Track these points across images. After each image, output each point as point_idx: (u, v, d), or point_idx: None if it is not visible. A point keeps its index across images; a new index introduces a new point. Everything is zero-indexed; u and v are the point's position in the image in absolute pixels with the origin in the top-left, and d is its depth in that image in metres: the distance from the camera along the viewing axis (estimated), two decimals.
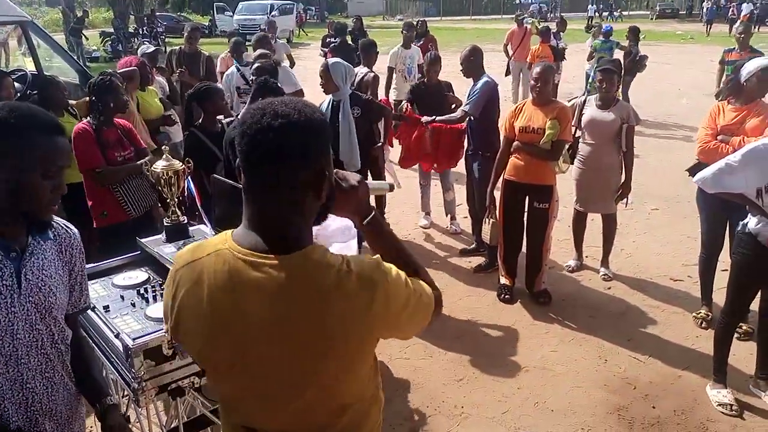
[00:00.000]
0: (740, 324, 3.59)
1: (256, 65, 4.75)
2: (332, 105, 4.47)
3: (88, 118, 3.72)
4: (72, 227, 1.68)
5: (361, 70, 5.67)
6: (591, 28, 11.87)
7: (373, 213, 1.39)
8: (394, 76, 7.59)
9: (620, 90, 9.99)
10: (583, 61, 11.09)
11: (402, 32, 7.80)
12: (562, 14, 17.10)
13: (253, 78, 4.48)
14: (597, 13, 34.05)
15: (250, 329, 1.16)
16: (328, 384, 1.21)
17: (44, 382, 1.55)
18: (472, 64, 4.74)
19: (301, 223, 1.20)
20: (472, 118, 4.71)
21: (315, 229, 1.27)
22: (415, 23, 8.89)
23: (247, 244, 1.17)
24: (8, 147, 1.37)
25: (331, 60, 4.60)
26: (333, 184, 1.27)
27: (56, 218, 1.62)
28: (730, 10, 28.39)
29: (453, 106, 5.16)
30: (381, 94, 6.70)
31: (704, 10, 33.26)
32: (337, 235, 1.98)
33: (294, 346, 1.15)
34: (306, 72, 11.71)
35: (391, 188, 1.76)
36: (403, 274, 1.26)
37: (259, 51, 5.45)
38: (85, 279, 1.73)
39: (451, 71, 6.81)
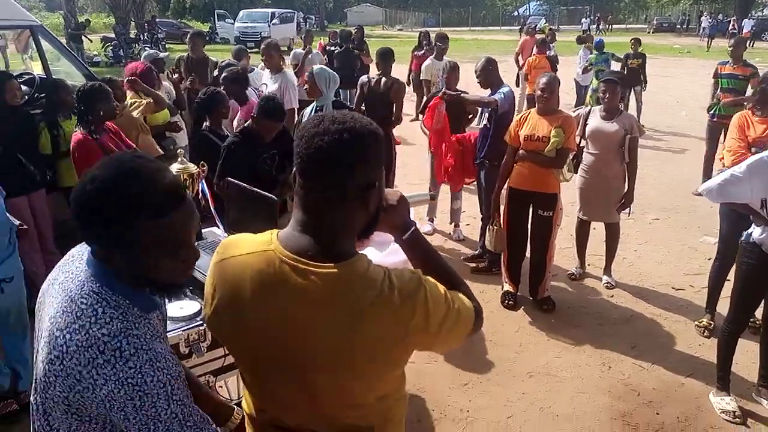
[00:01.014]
0: (755, 320, 3.64)
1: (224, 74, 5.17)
2: (315, 111, 4.60)
3: (78, 127, 3.75)
4: None
5: (364, 78, 5.71)
6: (583, 41, 11.98)
7: (413, 228, 1.40)
8: (432, 89, 7.58)
9: (633, 99, 10.17)
10: (574, 72, 11.25)
11: (435, 44, 7.55)
12: (550, 26, 17.23)
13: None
14: (590, 27, 34.25)
15: (289, 332, 1.18)
16: (349, 387, 1.23)
17: None
18: (491, 74, 4.78)
19: (349, 232, 1.22)
20: (488, 126, 4.77)
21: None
22: (442, 35, 8.67)
23: (293, 248, 1.19)
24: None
25: (316, 67, 4.75)
26: (382, 200, 1.29)
27: None
28: (731, 24, 28.61)
29: (470, 116, 5.22)
30: (408, 107, 6.66)
31: (702, 24, 33.61)
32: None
33: (325, 354, 1.17)
34: None
35: (433, 198, 1.77)
36: (442, 288, 1.27)
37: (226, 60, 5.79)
38: None
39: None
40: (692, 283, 4.82)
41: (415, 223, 1.42)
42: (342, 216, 1.20)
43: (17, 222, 3.20)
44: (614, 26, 45.96)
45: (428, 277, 1.27)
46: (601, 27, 39.53)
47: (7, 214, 3.17)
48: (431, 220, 5.85)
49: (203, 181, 2.86)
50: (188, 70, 6.42)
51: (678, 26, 43.05)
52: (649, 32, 40.85)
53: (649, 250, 5.52)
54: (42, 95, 4.96)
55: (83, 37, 20.57)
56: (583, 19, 34.83)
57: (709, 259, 5.18)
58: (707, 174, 6.99)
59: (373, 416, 1.30)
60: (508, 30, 41.67)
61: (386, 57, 5.61)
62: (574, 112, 4.72)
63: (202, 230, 2.80)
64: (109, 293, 1.19)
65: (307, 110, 4.70)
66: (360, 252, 1.23)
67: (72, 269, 1.27)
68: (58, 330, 1.15)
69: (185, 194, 1.23)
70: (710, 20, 32.46)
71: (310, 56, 8.62)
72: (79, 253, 1.32)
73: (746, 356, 3.65)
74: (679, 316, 4.33)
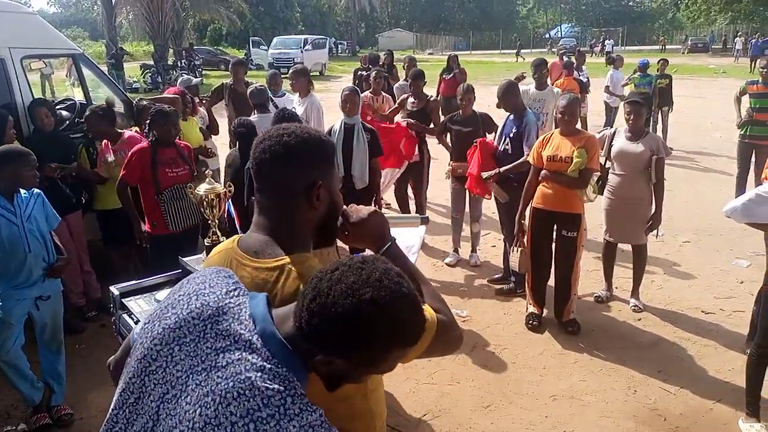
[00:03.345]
0: None
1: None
2: (345, 127, 4.82)
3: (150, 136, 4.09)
4: None
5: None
6: (612, 61, 11.94)
7: (389, 244, 1.47)
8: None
9: (658, 120, 10.10)
10: (604, 94, 11.20)
11: (534, 76, 6.58)
12: (579, 48, 17.17)
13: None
14: (612, 48, 33.65)
15: None
16: None
17: None
18: (513, 99, 4.85)
19: (296, 231, 1.33)
20: (508, 149, 4.81)
21: None
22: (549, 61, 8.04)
23: (244, 246, 1.33)
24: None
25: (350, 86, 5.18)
26: (335, 203, 1.38)
27: None
28: None
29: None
30: None
31: (736, 46, 32.99)
32: None
33: None
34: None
35: (423, 221, 1.84)
36: None
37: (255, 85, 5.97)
38: None
39: (478, 103, 6.90)
40: (723, 307, 4.72)
41: (394, 239, 1.49)
42: (289, 214, 1.31)
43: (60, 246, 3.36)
44: (648, 47, 45.54)
45: None
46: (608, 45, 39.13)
47: (54, 237, 3.33)
48: (456, 251, 5.77)
49: (229, 201, 2.96)
50: (230, 99, 6.63)
51: (710, 46, 42.27)
52: (683, 53, 40.38)
53: (678, 273, 5.43)
54: (82, 120, 5.20)
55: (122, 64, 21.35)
56: (607, 41, 34.49)
57: (741, 283, 5.14)
58: (740, 194, 6.86)
59: (335, 419, 1.32)
60: (538, 53, 41.64)
61: (419, 77, 6.28)
62: (598, 132, 4.72)
63: None
64: (296, 383, 1.06)
65: (336, 125, 4.90)
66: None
67: (229, 330, 1.10)
68: (232, 415, 1.00)
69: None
70: (752, 40, 31.87)
71: (398, 84, 8.04)
72: (232, 309, 1.13)
73: None
74: (708, 341, 4.24)
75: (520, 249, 4.42)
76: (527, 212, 4.42)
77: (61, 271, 3.36)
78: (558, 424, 3.40)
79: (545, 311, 4.52)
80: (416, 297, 1.09)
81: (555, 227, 4.29)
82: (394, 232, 2.52)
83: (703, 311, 4.69)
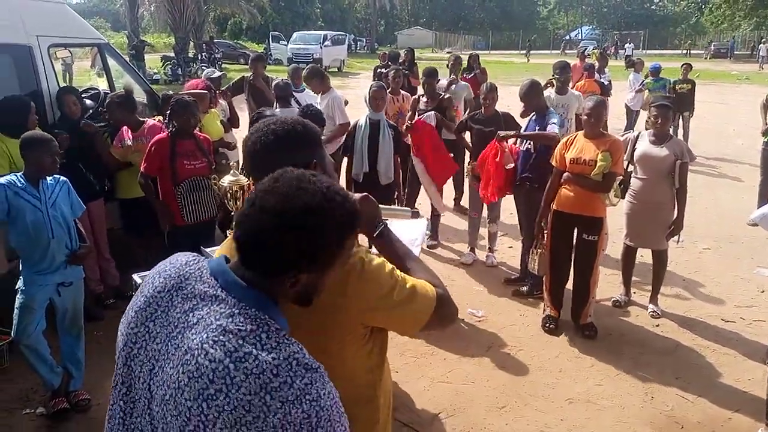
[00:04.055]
0: None
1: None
2: (370, 122, 4.86)
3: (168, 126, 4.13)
4: None
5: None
6: (633, 64, 11.86)
7: (381, 228, 1.56)
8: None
9: (679, 125, 10.00)
10: (625, 97, 11.11)
11: (558, 79, 6.23)
12: (601, 50, 16.93)
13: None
14: (632, 51, 33.10)
15: None
16: None
17: None
18: (536, 98, 4.84)
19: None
20: (530, 149, 4.77)
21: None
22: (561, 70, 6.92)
23: None
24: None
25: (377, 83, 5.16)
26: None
27: None
28: None
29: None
30: None
31: (760, 53, 32.40)
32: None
33: None
34: (358, 99, 11.95)
35: (414, 215, 1.89)
36: (391, 269, 1.43)
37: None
38: None
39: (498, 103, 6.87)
40: (743, 316, 4.66)
41: (386, 222, 1.57)
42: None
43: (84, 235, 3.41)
44: (669, 51, 45.03)
45: (375, 257, 1.44)
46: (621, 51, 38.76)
47: (78, 224, 3.37)
48: (472, 250, 5.72)
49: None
50: (250, 93, 6.67)
51: (732, 52, 41.60)
52: (706, 57, 39.89)
53: (698, 280, 5.36)
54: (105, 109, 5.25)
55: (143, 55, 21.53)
56: (627, 45, 34.11)
57: (762, 292, 5.08)
58: (763, 203, 6.76)
59: (351, 389, 1.35)
60: (557, 54, 41.38)
61: (431, 75, 6.16)
62: (621, 136, 4.67)
63: None
64: (268, 320, 1.10)
65: (362, 120, 4.93)
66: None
67: (193, 292, 1.14)
68: (212, 362, 1.02)
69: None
70: None
71: (453, 87, 6.99)
72: (192, 273, 1.18)
73: None
74: (727, 349, 4.18)
75: (539, 251, 4.38)
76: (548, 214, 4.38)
77: (84, 258, 3.39)
78: (573, 428, 3.38)
79: (562, 314, 4.49)
80: (331, 185, 1.16)
81: (575, 230, 4.25)
82: (396, 225, 2.57)
83: (722, 319, 4.63)
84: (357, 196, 1.53)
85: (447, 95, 6.22)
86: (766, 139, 6.82)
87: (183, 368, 1.05)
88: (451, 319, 1.56)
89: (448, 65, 7.08)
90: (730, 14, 41.11)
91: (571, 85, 10.85)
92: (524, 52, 42.83)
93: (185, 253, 1.27)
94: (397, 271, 1.44)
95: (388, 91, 6.51)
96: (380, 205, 1.71)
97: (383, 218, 1.67)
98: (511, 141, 4.99)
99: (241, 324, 1.06)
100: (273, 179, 1.14)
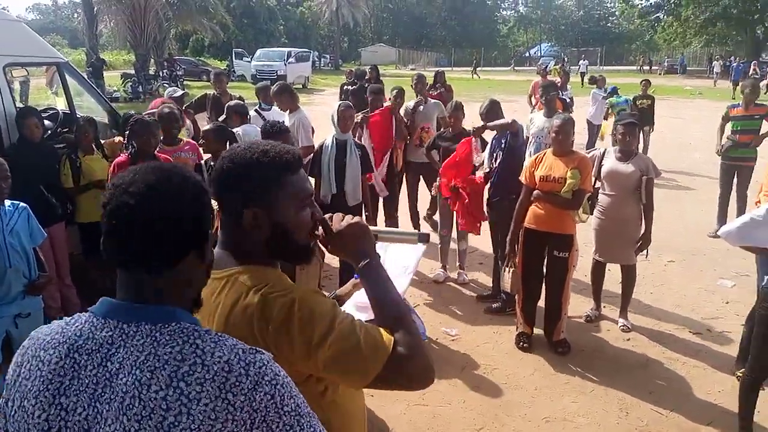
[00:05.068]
0: None
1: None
2: (337, 143, 4.78)
3: (124, 150, 3.95)
4: None
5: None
6: (595, 81, 12.21)
7: (367, 261, 1.41)
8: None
9: (640, 140, 10.24)
10: (586, 113, 11.40)
11: (542, 99, 5.85)
12: (563, 68, 17.40)
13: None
14: (587, 68, 34.03)
15: None
16: None
17: None
18: (496, 116, 4.87)
19: (241, 246, 1.36)
20: (494, 168, 4.81)
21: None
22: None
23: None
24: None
25: (344, 103, 5.05)
26: (285, 225, 1.36)
27: None
28: (751, 68, 28.47)
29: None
30: None
31: (714, 69, 33.63)
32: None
33: None
34: (323, 116, 11.92)
35: (422, 239, 1.64)
36: (332, 311, 1.28)
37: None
38: None
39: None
40: (710, 327, 4.74)
41: (378, 256, 1.45)
42: (235, 233, 1.36)
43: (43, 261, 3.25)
44: (625, 67, 46.44)
45: (318, 297, 1.31)
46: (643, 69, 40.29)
47: (38, 251, 3.22)
48: (444, 267, 5.71)
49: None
50: (212, 108, 6.57)
51: (682, 67, 43.15)
52: (660, 74, 41.24)
53: (665, 293, 5.45)
54: (65, 130, 5.08)
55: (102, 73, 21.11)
56: (581, 62, 35.15)
57: (727, 303, 5.18)
58: (722, 216, 6.96)
59: None
60: (522, 70, 42.23)
61: (378, 92, 6.32)
62: (588, 153, 4.74)
63: None
64: (191, 325, 1.04)
65: (328, 140, 4.85)
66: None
67: (97, 342, 1.03)
68: (159, 390, 0.96)
69: None
70: (732, 64, 32.37)
71: (421, 107, 6.48)
72: (81, 329, 1.05)
73: None
74: (696, 361, 4.25)
75: (511, 269, 4.39)
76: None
77: (43, 288, 3.24)
78: None
79: (535, 330, 4.49)
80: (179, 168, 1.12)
81: (547, 247, 4.27)
82: (392, 249, 2.42)
83: (690, 331, 4.70)
84: (347, 219, 1.46)
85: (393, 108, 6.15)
86: (722, 155, 7.04)
87: (128, 415, 0.96)
88: (418, 378, 1.31)
89: (412, 85, 6.86)
90: (682, 32, 42.69)
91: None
92: (487, 69, 43.60)
93: (49, 324, 1.11)
94: (344, 316, 1.28)
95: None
96: (383, 228, 1.59)
97: (380, 242, 1.57)
98: (479, 173, 5.03)
99: (169, 342, 1.00)
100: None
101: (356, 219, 1.46)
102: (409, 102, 6.61)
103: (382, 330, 1.30)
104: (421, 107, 6.44)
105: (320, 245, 1.48)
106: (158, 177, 1.06)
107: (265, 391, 0.99)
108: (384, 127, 5.95)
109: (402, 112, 6.39)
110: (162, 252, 1.04)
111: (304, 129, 5.87)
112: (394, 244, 1.74)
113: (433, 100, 6.89)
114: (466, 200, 4.99)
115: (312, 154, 4.95)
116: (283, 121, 5.97)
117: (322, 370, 1.25)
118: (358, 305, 1.35)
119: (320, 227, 1.44)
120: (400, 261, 2.49)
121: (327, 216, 1.47)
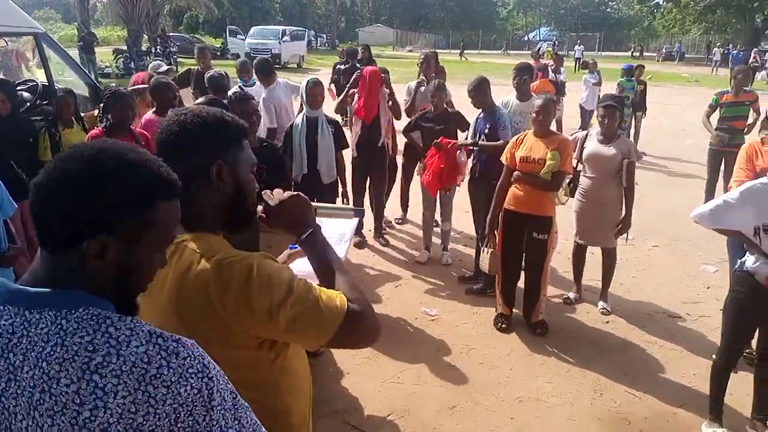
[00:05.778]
0: (751, 351, 3.54)
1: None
2: (307, 121, 4.69)
3: (99, 124, 3.87)
4: None
5: None
6: (587, 65, 12.17)
7: (309, 232, 1.47)
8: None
9: (631, 124, 10.23)
10: (579, 97, 11.42)
11: (514, 82, 5.41)
12: (557, 51, 17.25)
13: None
14: (582, 54, 33.80)
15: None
16: None
17: None
18: (484, 95, 4.84)
19: (194, 212, 1.31)
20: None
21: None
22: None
23: None
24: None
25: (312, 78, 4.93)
26: (243, 185, 1.39)
27: None
28: (752, 57, 28.27)
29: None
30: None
31: (715, 57, 33.36)
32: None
33: (161, 322, 1.15)
34: None
35: (358, 214, 1.82)
36: (289, 277, 1.29)
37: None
38: None
39: (455, 101, 6.86)
40: (690, 312, 4.75)
41: (318, 227, 1.49)
42: (192, 196, 1.28)
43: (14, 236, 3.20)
44: (623, 53, 46.21)
45: (271, 263, 1.31)
46: (634, 55, 40.21)
47: (10, 223, 3.18)
48: (427, 248, 5.69)
49: None
50: (197, 83, 6.47)
51: (680, 54, 42.94)
52: (658, 60, 41.04)
53: (647, 277, 5.46)
54: (44, 102, 5.01)
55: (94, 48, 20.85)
56: (576, 47, 34.99)
57: (708, 288, 5.19)
58: (708, 201, 6.95)
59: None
60: (516, 54, 41.94)
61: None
62: (571, 135, 4.70)
63: None
64: (101, 311, 0.97)
65: (298, 119, 4.78)
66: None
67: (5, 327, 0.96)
68: (70, 384, 0.89)
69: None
70: (732, 51, 32.09)
71: (422, 89, 6.13)
72: None
73: (740, 388, 3.56)
74: (674, 345, 4.26)
75: (490, 250, 4.37)
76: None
77: (14, 260, 3.19)
78: (523, 427, 3.37)
79: (514, 311, 4.49)
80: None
81: (526, 229, 4.25)
82: (328, 221, 2.49)
83: (670, 315, 4.71)
84: (287, 193, 1.49)
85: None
86: (711, 142, 7.01)
87: (39, 411, 0.90)
88: (370, 335, 1.39)
89: (418, 64, 6.53)
90: (681, 18, 42.45)
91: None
92: (485, 51, 43.34)
93: None
94: (298, 279, 1.30)
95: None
96: (321, 204, 1.66)
97: (319, 217, 1.60)
98: (462, 135, 5.00)
99: (77, 331, 0.92)
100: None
101: (297, 193, 1.49)
102: (411, 82, 6.42)
103: (333, 291, 1.35)
104: (422, 88, 6.15)
105: (261, 217, 1.50)
106: (80, 158, 0.99)
107: (191, 385, 0.94)
108: (373, 80, 5.60)
109: (404, 91, 6.28)
110: (63, 231, 0.97)
111: (276, 108, 5.62)
112: (327, 217, 1.83)
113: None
114: (442, 165, 4.96)
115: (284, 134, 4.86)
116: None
117: (284, 331, 1.26)
118: (298, 274, 1.35)
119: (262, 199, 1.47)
120: (336, 229, 2.70)
121: (267, 191, 1.51)
